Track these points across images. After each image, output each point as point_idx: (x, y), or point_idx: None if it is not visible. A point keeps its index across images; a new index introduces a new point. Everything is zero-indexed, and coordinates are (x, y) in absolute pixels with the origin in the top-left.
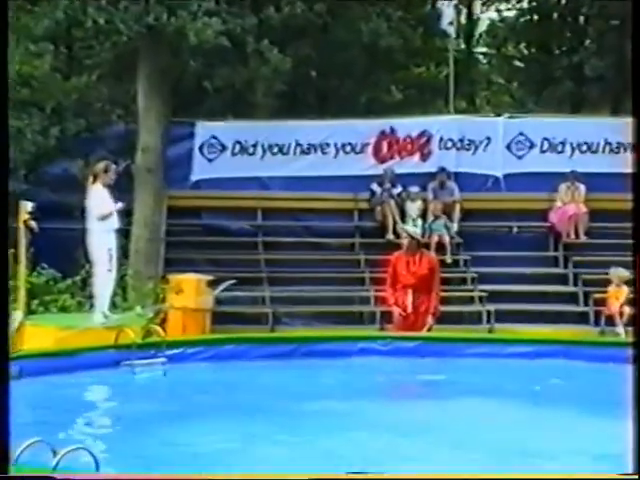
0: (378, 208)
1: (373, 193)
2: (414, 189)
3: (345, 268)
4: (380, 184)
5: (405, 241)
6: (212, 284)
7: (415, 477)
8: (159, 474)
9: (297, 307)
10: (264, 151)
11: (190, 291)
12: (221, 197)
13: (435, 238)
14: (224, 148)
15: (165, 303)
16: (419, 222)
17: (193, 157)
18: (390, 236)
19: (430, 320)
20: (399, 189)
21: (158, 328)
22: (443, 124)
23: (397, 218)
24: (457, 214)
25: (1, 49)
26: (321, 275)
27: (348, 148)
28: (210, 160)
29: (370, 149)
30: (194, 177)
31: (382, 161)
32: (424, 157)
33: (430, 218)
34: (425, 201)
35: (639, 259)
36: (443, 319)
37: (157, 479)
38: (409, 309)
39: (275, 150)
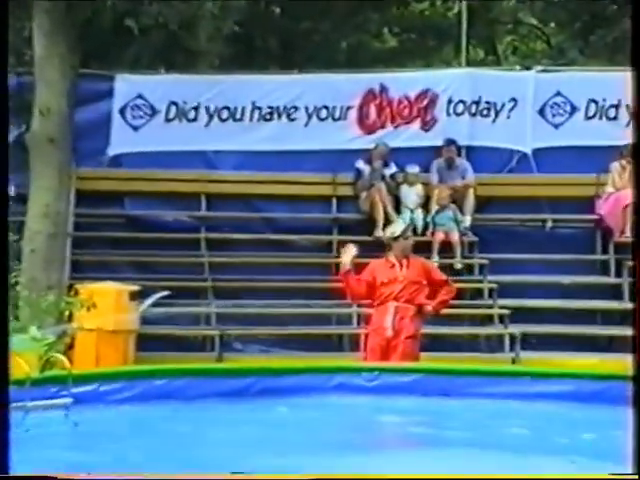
0: (364, 194)
1: (358, 174)
2: (413, 169)
3: (319, 275)
4: (367, 162)
5: (393, 242)
6: (137, 296)
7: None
8: (160, 474)
9: (253, 328)
10: (210, 116)
11: (107, 306)
12: (151, 178)
13: (440, 235)
14: (154, 112)
15: (72, 322)
16: (418, 213)
17: (112, 123)
18: (380, 232)
19: (415, 348)
20: (392, 169)
21: (62, 357)
22: (452, 80)
23: (390, 208)
24: (470, 203)
25: (1, 49)
26: (287, 285)
27: (323, 113)
28: (135, 128)
29: (353, 115)
30: (113, 151)
31: (370, 131)
32: (426, 126)
33: (434, 208)
34: (427, 185)
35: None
36: (451, 345)
37: (159, 479)
38: (388, 332)
39: (225, 115)
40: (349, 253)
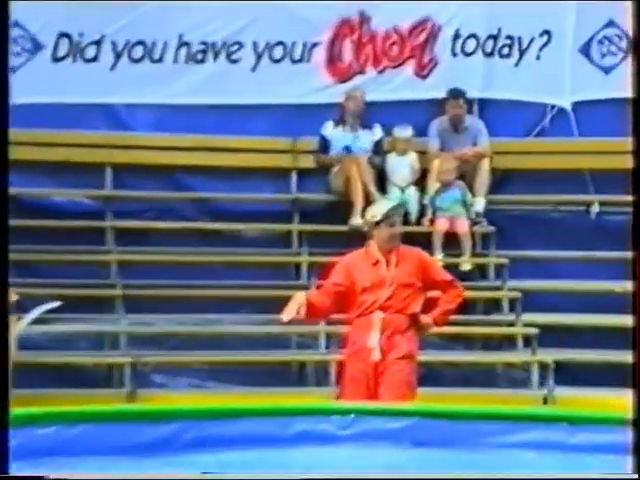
0: (336, 168)
1: (325, 140)
2: (404, 131)
3: (272, 280)
4: (339, 122)
5: (374, 228)
6: (15, 309)
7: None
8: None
9: (180, 354)
10: (117, 55)
11: None
12: (33, 142)
13: (442, 223)
14: (37, 47)
15: None
16: (412, 193)
17: None
18: (358, 220)
19: (411, 373)
20: (375, 132)
21: None
22: (461, 7)
23: (372, 187)
24: (484, 179)
25: (1, 49)
26: (227, 293)
27: (278, 52)
28: (12, 69)
29: (321, 54)
30: None
31: (343, 78)
32: (423, 70)
33: (434, 186)
34: (424, 155)
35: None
36: (458, 377)
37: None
38: (374, 355)
39: (138, 54)
40: (293, 307)
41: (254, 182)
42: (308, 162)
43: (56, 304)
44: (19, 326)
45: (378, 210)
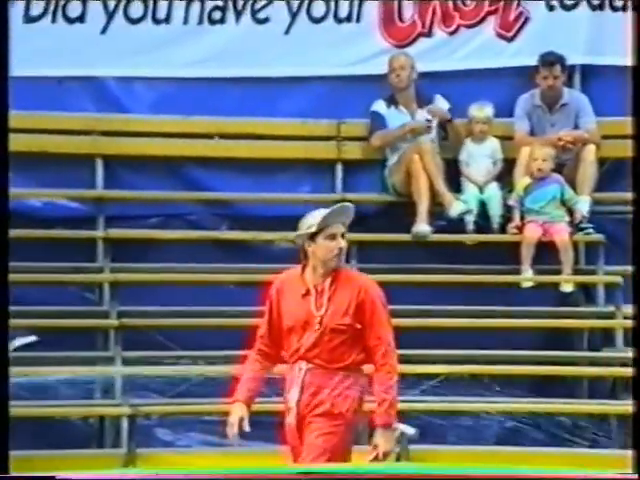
0: (394, 158)
1: (379, 117)
2: (482, 110)
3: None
4: (391, 101)
5: (307, 242)
6: None
7: None
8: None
9: (191, 401)
10: (109, 13)
11: None
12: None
13: (534, 229)
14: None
15: None
16: (493, 191)
17: None
18: (422, 226)
19: (335, 439)
20: (445, 109)
21: None
22: None
23: (441, 182)
24: (590, 171)
25: (1, 49)
26: (252, 322)
27: (319, 8)
28: None
29: (374, 11)
30: None
31: (403, 40)
32: (508, 30)
33: (522, 181)
34: (510, 140)
35: None
36: (552, 431)
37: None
38: (291, 417)
39: (137, 11)
40: (234, 424)
41: (287, 178)
42: (356, 151)
43: (32, 339)
44: None
45: (313, 218)
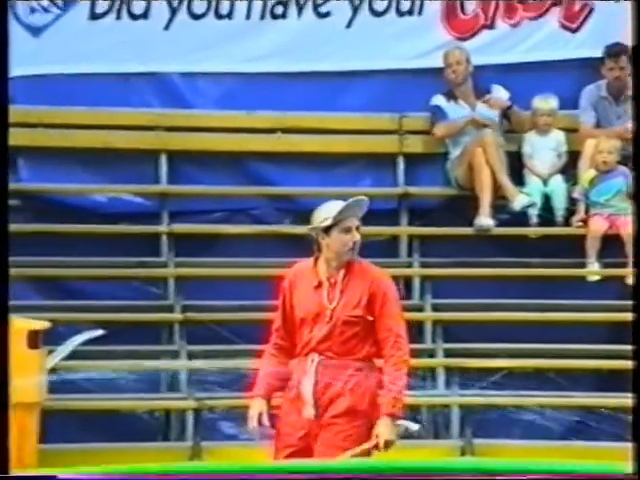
0: (457, 151)
1: (440, 110)
2: (546, 102)
3: None
4: (450, 95)
5: (320, 235)
6: (44, 339)
7: None
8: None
9: None
10: (172, 10)
11: None
12: (65, 124)
13: (600, 222)
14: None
15: None
16: (558, 183)
17: None
18: (486, 220)
19: (355, 439)
20: (504, 98)
21: None
22: None
23: (503, 176)
24: None
25: (1, 50)
26: None
27: (381, 3)
28: (36, 30)
29: (436, 4)
30: None
31: (466, 33)
32: (573, 21)
33: (587, 174)
34: (574, 133)
35: None
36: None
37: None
38: (307, 411)
39: (201, 7)
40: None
41: (348, 172)
42: (419, 145)
43: (97, 333)
44: (50, 362)
45: (328, 211)
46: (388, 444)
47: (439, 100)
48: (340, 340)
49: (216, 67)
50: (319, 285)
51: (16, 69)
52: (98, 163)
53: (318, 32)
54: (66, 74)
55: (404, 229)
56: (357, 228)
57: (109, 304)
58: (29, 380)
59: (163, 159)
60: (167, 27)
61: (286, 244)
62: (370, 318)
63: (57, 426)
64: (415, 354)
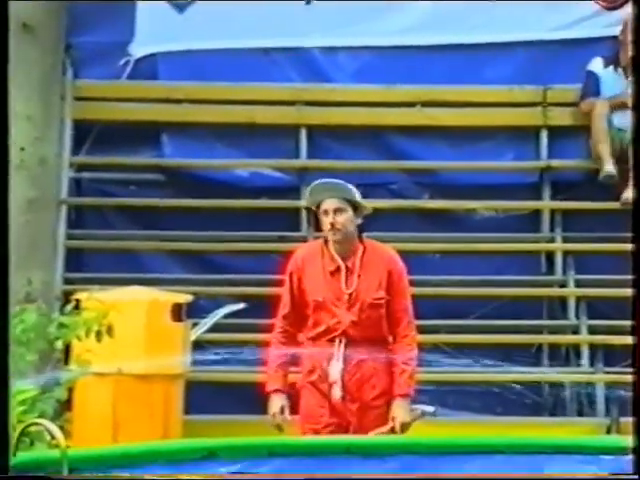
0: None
1: (594, 77)
2: None
3: (518, 273)
4: (611, 61)
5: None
6: (188, 312)
7: None
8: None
9: None
10: None
11: (133, 331)
12: (207, 100)
13: None
14: None
15: (69, 361)
16: None
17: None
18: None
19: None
20: None
21: (51, 425)
22: None
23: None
24: None
25: (1, 50)
26: (454, 292)
27: None
28: (180, 7)
29: None
30: (140, 49)
31: (613, 2)
32: None
33: None
34: None
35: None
36: None
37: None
38: (335, 393)
39: None
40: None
41: (490, 146)
42: (563, 117)
43: (240, 306)
44: (196, 334)
45: (307, 194)
46: (404, 427)
47: (596, 65)
48: (368, 324)
49: (357, 41)
50: (337, 270)
51: (161, 45)
52: (240, 138)
53: (461, 4)
54: (209, 49)
55: (546, 203)
56: (337, 210)
57: (249, 278)
58: (173, 352)
59: (303, 134)
60: (308, 2)
61: (425, 218)
62: (387, 297)
63: (200, 398)
64: (558, 330)
